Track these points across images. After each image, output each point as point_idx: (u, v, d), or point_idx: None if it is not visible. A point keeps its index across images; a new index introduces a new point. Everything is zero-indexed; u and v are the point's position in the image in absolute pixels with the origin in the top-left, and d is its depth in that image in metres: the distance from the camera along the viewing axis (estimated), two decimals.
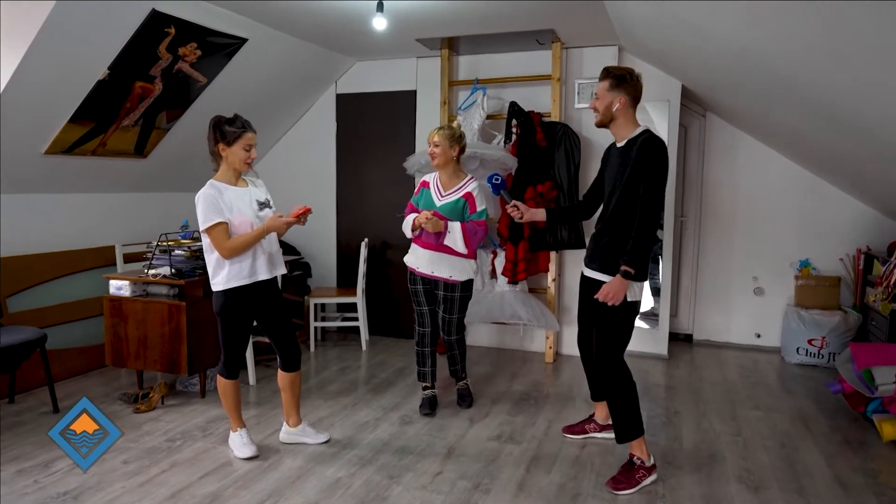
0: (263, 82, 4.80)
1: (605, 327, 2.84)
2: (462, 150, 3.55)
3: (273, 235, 3.03)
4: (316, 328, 5.21)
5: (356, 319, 5.19)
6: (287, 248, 5.39)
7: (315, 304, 5.12)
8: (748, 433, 3.47)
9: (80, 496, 2.69)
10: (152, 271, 3.80)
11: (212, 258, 2.91)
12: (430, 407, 3.69)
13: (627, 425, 2.86)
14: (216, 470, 2.97)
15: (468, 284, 3.61)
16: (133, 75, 3.82)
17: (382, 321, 5.56)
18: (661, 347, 4.99)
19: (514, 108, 4.61)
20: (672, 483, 2.88)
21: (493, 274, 4.82)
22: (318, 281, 5.69)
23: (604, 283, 2.79)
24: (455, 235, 3.44)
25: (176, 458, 3.10)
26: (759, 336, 5.24)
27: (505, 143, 4.67)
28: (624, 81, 2.74)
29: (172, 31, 3.70)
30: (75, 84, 3.62)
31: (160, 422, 3.55)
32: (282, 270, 3.10)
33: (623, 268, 2.68)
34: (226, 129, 2.85)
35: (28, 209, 4.10)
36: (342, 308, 5.56)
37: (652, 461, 2.90)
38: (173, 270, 3.76)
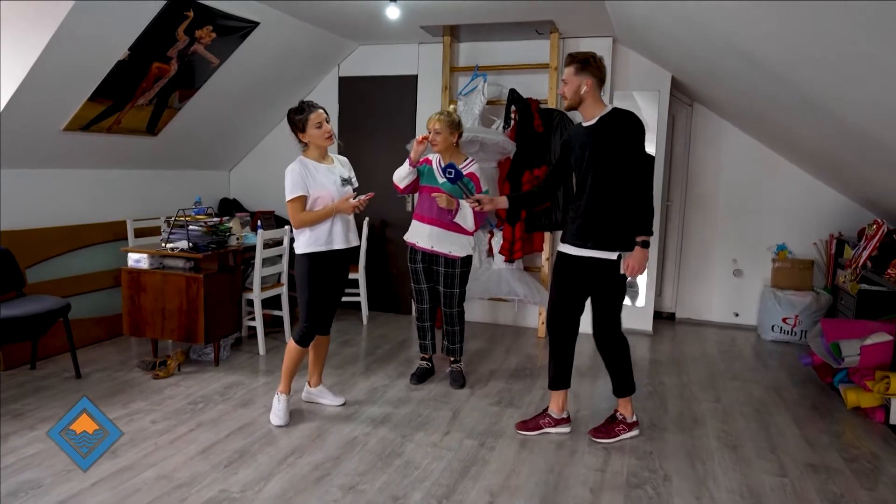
0: (270, 64, 4.95)
1: (613, 300, 3.06)
2: (460, 136, 3.77)
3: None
4: None
5: (357, 295, 5.41)
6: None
7: None
8: (727, 401, 3.78)
9: (116, 451, 2.90)
10: (170, 245, 3.98)
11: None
12: (419, 378, 3.94)
13: (626, 381, 3.17)
14: (241, 429, 3.20)
15: (468, 260, 3.81)
16: (151, 56, 3.97)
17: (382, 297, 5.79)
18: (647, 324, 5.30)
19: (514, 95, 4.83)
20: (658, 443, 3.18)
21: (490, 253, 5.06)
22: None
23: (604, 260, 2.94)
24: (465, 213, 3.65)
25: (201, 418, 3.32)
26: (737, 315, 5.57)
27: (504, 127, 4.89)
28: (588, 65, 2.91)
29: (191, 14, 3.85)
30: (97, 64, 3.77)
31: (179, 387, 3.76)
32: (355, 242, 3.35)
33: (641, 238, 2.88)
34: (295, 119, 3.14)
35: (46, 184, 4.24)
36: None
37: (634, 419, 3.21)
38: (191, 244, 3.94)
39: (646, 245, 2.90)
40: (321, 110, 3.21)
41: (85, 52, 3.61)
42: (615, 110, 2.94)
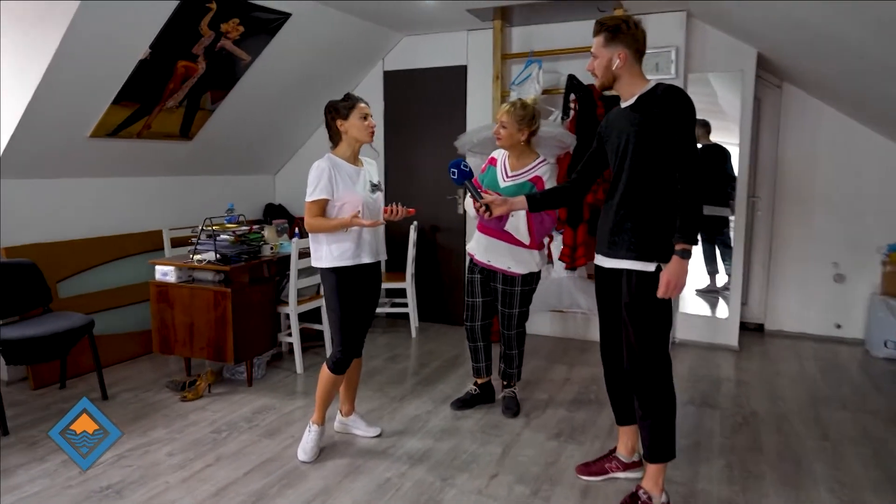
0: (308, 60, 4.62)
1: (648, 323, 2.37)
2: (534, 133, 3.23)
3: (379, 219, 2.88)
4: None
5: (405, 305, 5.02)
6: None
7: None
8: (836, 437, 3.14)
9: (122, 490, 2.60)
10: (197, 256, 3.70)
11: (314, 234, 2.83)
12: (462, 404, 3.49)
13: (663, 442, 2.44)
14: (262, 465, 2.85)
15: (531, 278, 3.28)
16: (175, 54, 3.70)
17: (433, 307, 5.37)
18: (731, 338, 4.64)
19: (573, 82, 4.30)
20: (753, 496, 2.60)
21: (550, 259, 4.55)
22: None
23: (637, 272, 2.34)
24: (518, 222, 3.13)
25: (221, 450, 2.99)
26: (839, 327, 4.82)
27: (562, 119, 4.37)
28: (620, 32, 2.31)
29: (214, 6, 3.55)
30: (117, 64, 3.52)
31: (206, 411, 3.46)
32: (384, 256, 3.01)
33: (680, 246, 2.22)
34: (339, 105, 2.82)
35: (75, 193, 4.06)
36: (391, 293, 5.40)
37: (665, 498, 2.48)
38: (218, 256, 3.64)
39: (686, 255, 2.24)
40: (367, 105, 2.88)
41: (102, 52, 3.36)
42: (658, 87, 2.32)
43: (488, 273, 3.35)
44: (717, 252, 5.32)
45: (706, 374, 4.08)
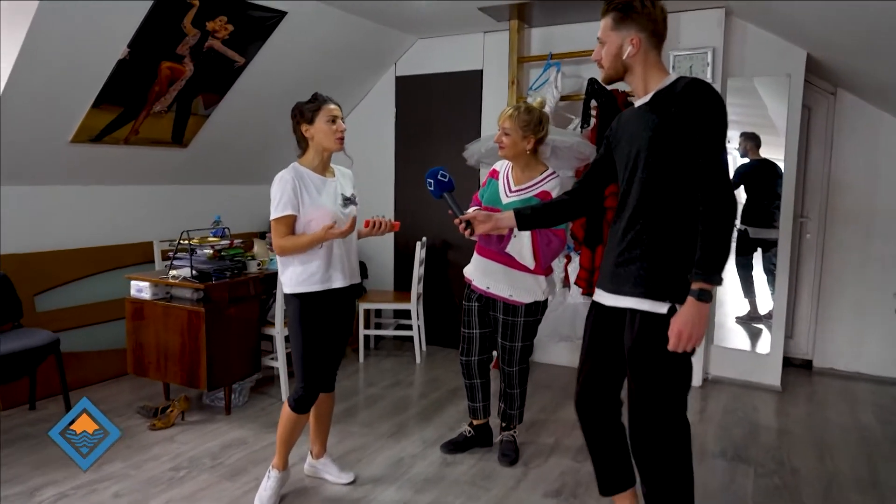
0: (310, 63, 4.33)
1: (657, 378, 1.90)
2: (541, 140, 2.82)
3: (352, 238, 2.58)
4: (366, 336, 4.72)
5: (410, 329, 4.65)
6: None
7: (364, 311, 4.61)
8: None
9: None
10: (173, 272, 3.42)
11: (282, 256, 2.50)
12: (453, 447, 3.08)
13: None
14: None
15: (536, 307, 2.86)
16: (158, 54, 3.44)
17: (442, 329, 4.98)
18: (773, 376, 4.10)
19: (594, 87, 3.88)
20: None
21: (566, 282, 4.11)
22: (375, 282, 5.19)
23: (644, 314, 1.88)
24: (521, 243, 2.72)
25: (173, 493, 2.66)
26: None
27: (582, 127, 3.95)
28: (633, 11, 1.87)
29: (196, 2, 3.28)
30: (93, 65, 3.27)
31: (173, 443, 3.15)
32: (358, 279, 2.65)
33: (697, 285, 1.75)
34: (304, 108, 2.48)
35: (58, 201, 3.83)
36: (400, 313, 5.03)
37: None
38: (195, 272, 3.35)
39: (704, 296, 1.75)
40: (337, 106, 2.52)
41: (73, 52, 3.12)
42: (680, 81, 1.86)
43: (487, 301, 2.95)
44: (755, 278, 4.76)
45: (741, 419, 3.56)
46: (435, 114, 4.87)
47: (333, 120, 2.48)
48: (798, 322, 4.49)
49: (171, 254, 3.50)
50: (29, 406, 3.55)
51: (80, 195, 3.95)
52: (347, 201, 2.57)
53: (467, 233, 2.25)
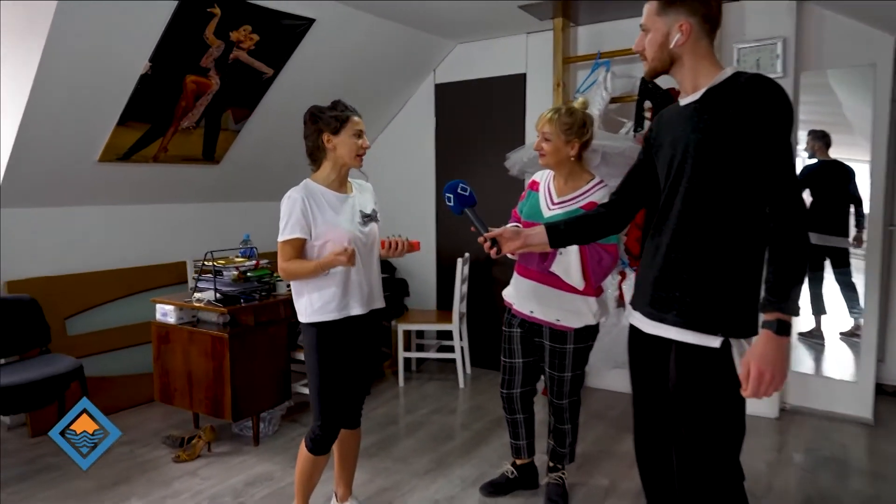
0: (344, 73, 4.13)
1: (711, 424, 1.63)
2: (585, 145, 2.52)
3: (373, 258, 2.34)
4: (405, 359, 4.46)
5: (452, 350, 4.36)
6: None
7: (403, 332, 4.36)
8: None
9: None
10: (197, 295, 3.25)
11: (294, 281, 2.30)
12: (493, 490, 2.76)
13: None
14: None
15: (588, 332, 2.54)
16: (181, 68, 3.31)
17: (488, 351, 4.67)
18: (863, 407, 3.59)
19: (647, 86, 3.52)
20: None
21: (621, 301, 3.74)
22: (417, 301, 4.94)
23: (691, 348, 1.62)
24: (568, 261, 2.41)
25: None
26: None
27: (635, 131, 3.59)
28: None
29: (217, 11, 3.13)
30: (114, 81, 3.16)
31: (195, 477, 2.96)
32: (380, 304, 2.39)
33: (773, 316, 1.48)
34: (328, 116, 2.24)
35: (89, 222, 3.76)
36: (443, 334, 4.76)
37: None
38: (219, 295, 3.17)
39: (783, 329, 1.48)
40: (358, 117, 2.30)
41: (92, 68, 3.01)
42: (739, 77, 1.59)
43: (531, 326, 2.63)
44: (825, 292, 4.23)
45: (828, 460, 3.11)
46: (477, 122, 4.60)
47: (359, 135, 2.25)
48: (890, 344, 3.96)
49: (195, 275, 3.33)
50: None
51: (111, 215, 3.87)
52: (367, 219, 2.32)
53: (493, 252, 1.99)
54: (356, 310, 2.26)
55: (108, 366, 3.77)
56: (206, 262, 3.24)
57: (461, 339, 4.38)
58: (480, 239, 2.01)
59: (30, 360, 3.23)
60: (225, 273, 3.22)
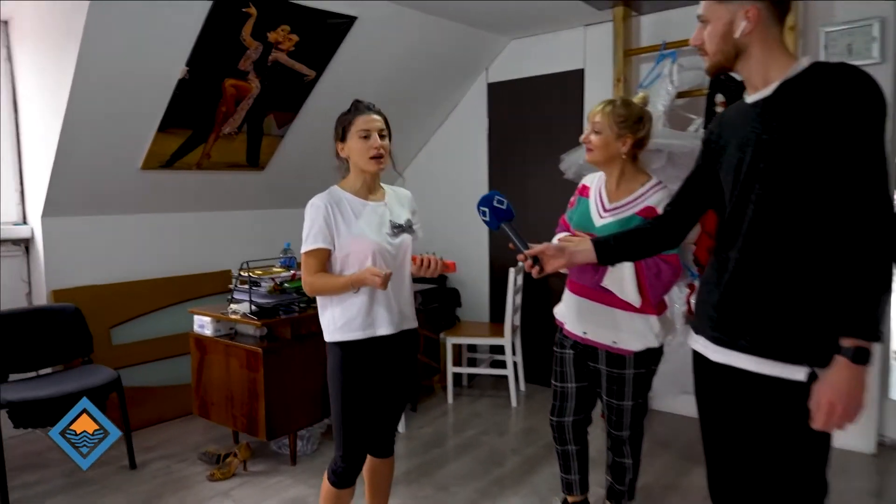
0: (389, 75, 3.96)
1: (793, 465, 1.42)
2: (640, 144, 2.22)
3: (404, 273, 2.13)
4: (456, 374, 4.22)
5: (503, 366, 4.09)
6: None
7: (453, 345, 4.12)
8: None
9: None
10: (233, 306, 3.13)
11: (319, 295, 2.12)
12: None
13: None
14: None
15: (648, 356, 2.23)
16: (220, 72, 3.21)
17: (544, 366, 4.37)
18: None
19: (720, 78, 3.15)
20: None
21: (689, 317, 3.38)
22: (469, 312, 4.70)
23: (770, 381, 1.39)
24: (622, 275, 2.12)
25: None
26: None
27: (704, 128, 3.23)
28: None
29: (253, 11, 3.00)
30: (153, 87, 3.10)
31: (227, 499, 2.83)
32: (411, 324, 2.17)
33: (853, 343, 1.28)
34: (336, 122, 2.09)
35: (132, 231, 3.73)
36: (497, 348, 4.50)
37: None
38: (254, 307, 3.04)
39: (861, 357, 1.28)
40: (375, 116, 2.07)
41: (130, 72, 2.95)
42: (816, 68, 1.37)
43: (585, 349, 2.34)
44: None
45: None
46: (532, 122, 4.32)
47: (367, 135, 2.02)
48: None
49: (231, 285, 3.22)
50: None
51: (156, 223, 3.83)
52: (398, 230, 2.10)
53: (535, 271, 1.74)
54: (383, 329, 2.05)
55: (152, 376, 3.73)
56: (241, 273, 3.11)
57: (514, 354, 4.11)
58: (520, 257, 1.79)
59: (70, 371, 3.20)
60: (262, 284, 3.08)
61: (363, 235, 2.01)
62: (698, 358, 1.60)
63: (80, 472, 3.09)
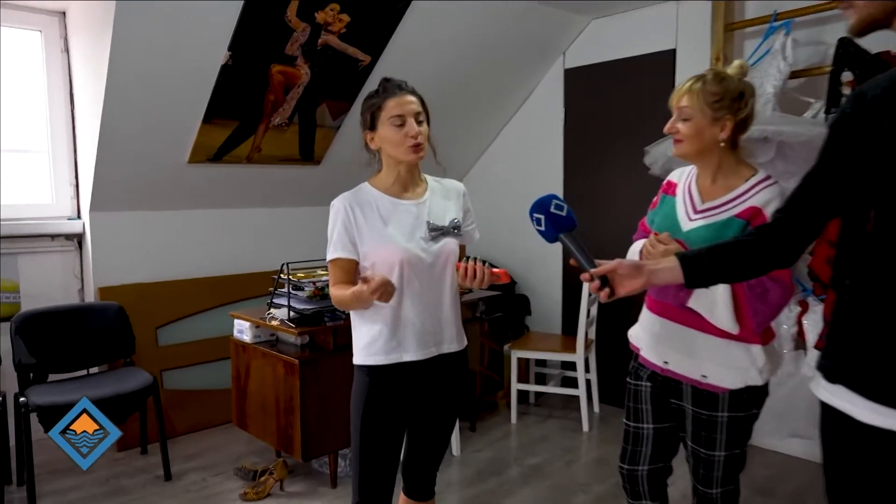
0: (452, 60, 3.60)
1: None
2: (741, 127, 1.73)
3: (444, 286, 1.76)
4: (522, 390, 3.81)
5: (575, 385, 3.63)
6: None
7: (518, 359, 3.72)
8: None
9: None
10: (274, 311, 2.88)
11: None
12: None
13: None
14: None
15: (749, 396, 1.74)
16: (265, 57, 2.96)
17: (622, 385, 3.88)
18: None
19: (847, 50, 2.58)
20: None
21: (801, 341, 2.81)
22: (540, 321, 4.27)
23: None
24: (713, 294, 1.66)
25: None
26: None
27: (827, 113, 2.67)
28: None
29: None
30: (195, 74, 2.89)
31: None
32: (452, 346, 1.80)
33: None
34: (364, 108, 1.75)
35: (183, 227, 3.57)
36: (565, 366, 4.04)
37: None
38: (293, 313, 2.77)
39: None
40: (410, 97, 1.71)
41: (168, 59, 2.75)
42: None
43: (666, 382, 1.88)
44: None
45: None
46: (616, 112, 3.83)
47: (402, 121, 1.66)
48: None
49: (271, 289, 2.97)
50: (141, 450, 3.26)
51: (206, 219, 3.66)
52: (438, 232, 1.74)
53: (603, 295, 1.35)
54: (410, 353, 1.70)
55: (199, 379, 3.57)
56: (281, 276, 2.85)
57: (587, 371, 3.66)
58: (584, 276, 1.39)
59: (107, 374, 3.07)
60: (304, 288, 2.81)
61: (389, 241, 1.67)
62: (832, 414, 1.15)
63: (116, 480, 2.96)
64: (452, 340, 1.81)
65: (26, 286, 3.30)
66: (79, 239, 3.43)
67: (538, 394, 4.08)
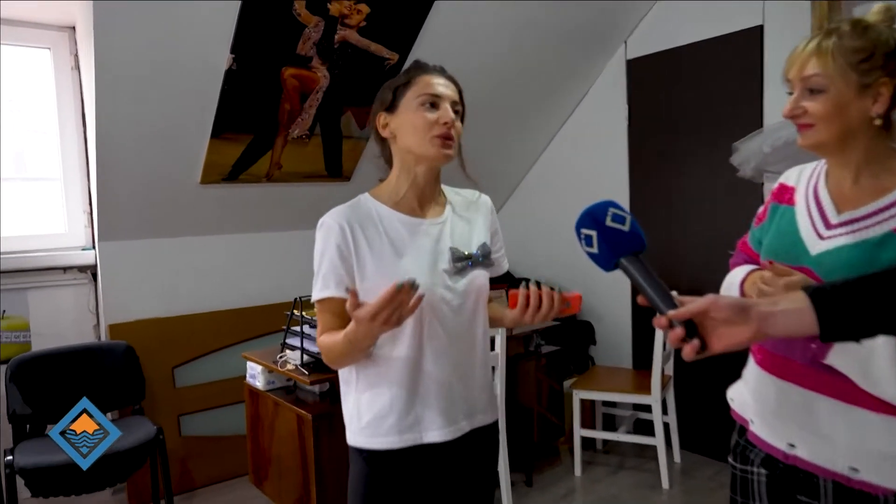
0: (495, 57, 3.13)
1: None
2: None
3: (476, 330, 1.32)
4: (587, 437, 3.25)
5: (651, 432, 3.05)
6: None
7: (582, 401, 3.16)
8: None
9: None
10: (281, 355, 2.46)
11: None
12: None
13: None
14: None
15: None
16: (274, 58, 2.58)
17: (708, 429, 3.26)
18: None
19: None
20: None
21: None
22: (606, 352, 3.71)
23: None
24: (870, 350, 1.09)
25: None
26: None
27: None
28: None
29: None
30: (196, 83, 2.54)
31: None
32: (486, 417, 1.34)
33: None
34: (385, 89, 1.33)
35: (198, 254, 3.23)
36: (637, 408, 3.44)
37: None
38: (307, 357, 2.34)
39: None
40: (440, 78, 1.29)
41: (163, 67, 2.41)
42: None
43: (790, 472, 1.29)
44: None
45: None
46: (688, 105, 3.27)
47: (433, 103, 1.23)
48: None
49: (284, 328, 2.56)
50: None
51: (224, 246, 3.31)
52: (463, 262, 1.27)
53: (690, 348, 0.90)
54: (434, 433, 1.23)
55: (218, 423, 3.20)
56: (294, 312, 2.44)
57: (664, 414, 3.08)
58: (661, 322, 0.93)
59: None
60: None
61: (400, 274, 1.19)
62: None
63: None
64: (486, 409, 1.33)
65: (37, 324, 3.03)
66: (93, 271, 3.15)
67: (606, 439, 3.50)
